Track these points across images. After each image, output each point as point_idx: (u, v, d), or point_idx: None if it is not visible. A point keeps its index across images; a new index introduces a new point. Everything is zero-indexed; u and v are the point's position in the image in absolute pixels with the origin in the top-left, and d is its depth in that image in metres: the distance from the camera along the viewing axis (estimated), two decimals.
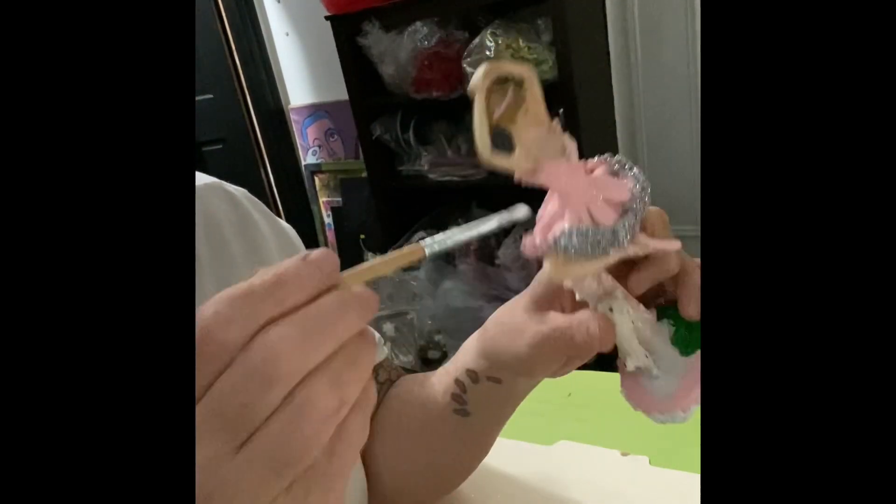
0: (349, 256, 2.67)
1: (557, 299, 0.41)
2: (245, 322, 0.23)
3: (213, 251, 0.46)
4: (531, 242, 0.35)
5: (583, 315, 0.37)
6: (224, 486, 0.22)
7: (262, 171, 2.78)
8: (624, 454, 0.62)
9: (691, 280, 0.36)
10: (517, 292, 0.44)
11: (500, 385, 0.45)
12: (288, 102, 2.70)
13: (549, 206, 0.36)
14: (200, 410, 0.22)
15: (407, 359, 2.12)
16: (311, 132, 2.69)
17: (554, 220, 0.35)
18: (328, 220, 2.78)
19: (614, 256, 0.34)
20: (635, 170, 0.35)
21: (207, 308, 0.23)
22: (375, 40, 2.02)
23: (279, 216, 0.57)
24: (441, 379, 0.48)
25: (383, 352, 0.57)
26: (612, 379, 0.38)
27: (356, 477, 0.50)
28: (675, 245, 0.36)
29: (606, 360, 0.41)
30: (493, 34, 1.81)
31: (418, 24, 1.99)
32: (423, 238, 0.29)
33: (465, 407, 0.47)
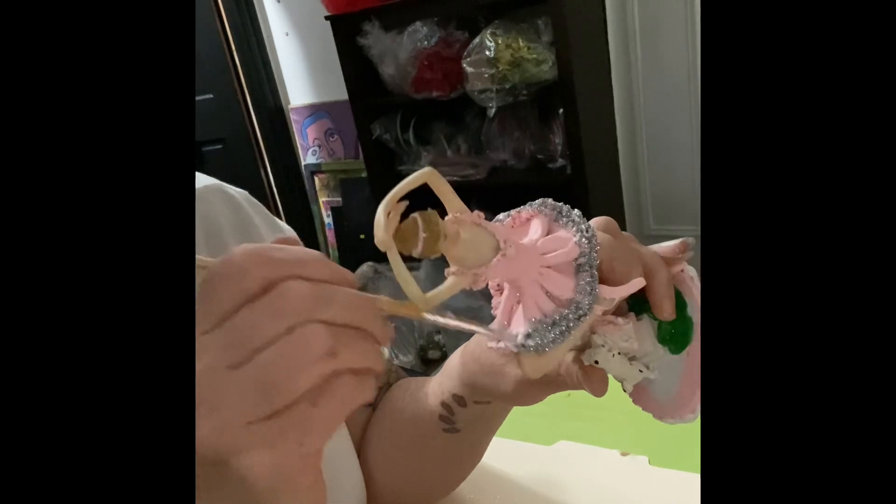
0: (349, 256, 2.67)
1: None
2: (273, 268, 0.26)
3: (212, 253, 0.46)
4: (497, 345, 0.34)
5: (570, 367, 0.37)
6: (212, 395, 0.24)
7: (262, 171, 2.78)
8: (623, 454, 0.62)
9: (659, 282, 0.35)
10: None
11: (488, 405, 0.45)
12: (288, 102, 2.70)
13: (503, 294, 0.35)
14: (213, 330, 0.25)
15: (407, 359, 2.12)
16: (311, 132, 2.69)
17: (510, 311, 0.34)
18: (328, 220, 2.78)
19: (585, 325, 0.33)
20: (574, 214, 0.34)
21: (246, 248, 0.26)
22: (375, 40, 2.02)
23: (279, 216, 0.57)
24: (433, 392, 0.48)
25: (384, 353, 0.56)
26: (612, 379, 0.38)
27: (356, 478, 0.51)
28: (639, 284, 0.35)
29: None
30: (493, 34, 1.81)
31: (418, 24, 1.99)
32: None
33: (454, 426, 0.47)
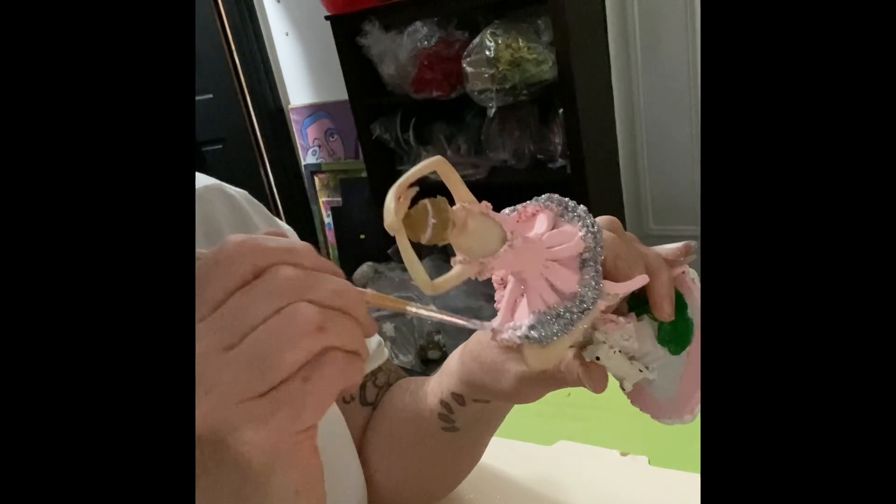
0: (349, 256, 2.67)
1: None
2: (264, 255, 0.27)
3: None
4: (497, 338, 0.34)
5: (570, 363, 0.37)
6: (208, 377, 0.25)
7: (262, 171, 2.78)
8: (623, 454, 0.62)
9: (660, 282, 0.36)
10: None
11: (487, 404, 0.45)
12: (288, 102, 2.70)
13: (507, 288, 0.35)
14: (208, 316, 0.26)
15: (407, 359, 2.12)
16: (311, 132, 2.69)
17: (514, 304, 0.34)
18: (328, 219, 2.78)
19: (588, 319, 0.33)
20: (580, 210, 0.34)
21: (238, 237, 0.27)
22: (375, 40, 2.02)
23: (279, 216, 0.57)
24: (432, 391, 0.48)
25: (384, 354, 0.57)
26: (612, 379, 0.38)
27: (356, 479, 0.51)
28: (642, 280, 0.35)
29: None
30: (493, 34, 1.81)
31: (418, 24, 1.99)
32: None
33: (453, 424, 0.47)
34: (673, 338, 0.37)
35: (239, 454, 0.27)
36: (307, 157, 2.75)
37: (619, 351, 0.36)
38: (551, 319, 0.32)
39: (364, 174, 2.40)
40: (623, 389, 0.38)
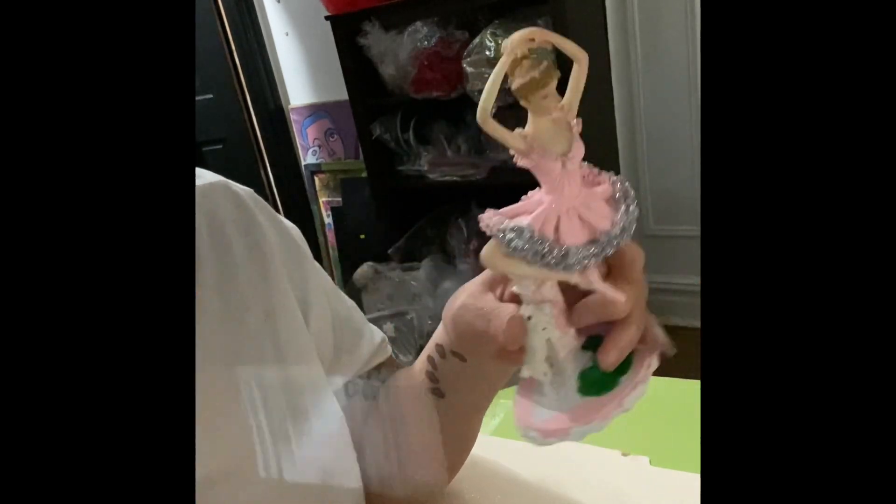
0: (349, 256, 2.67)
1: (501, 285, 0.40)
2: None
3: (215, 250, 0.46)
4: (487, 217, 0.33)
5: (503, 309, 0.37)
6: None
7: (262, 171, 2.78)
8: (624, 454, 0.62)
9: (625, 333, 0.34)
10: None
11: (464, 363, 0.44)
12: (288, 102, 2.70)
13: (532, 197, 0.34)
14: None
15: (407, 359, 2.12)
16: (311, 132, 2.69)
17: (524, 209, 0.33)
18: (328, 219, 2.78)
19: (556, 276, 0.33)
20: (632, 207, 0.33)
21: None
22: (375, 40, 2.02)
23: None
24: (423, 353, 0.49)
25: (387, 350, 0.57)
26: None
27: (354, 480, 0.50)
28: (619, 297, 0.33)
29: None
30: (493, 34, 1.81)
31: (418, 24, 1.99)
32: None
33: (437, 385, 0.47)
34: (592, 383, 0.36)
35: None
36: (307, 157, 2.75)
37: (548, 340, 0.35)
38: (532, 242, 0.32)
39: (364, 174, 2.40)
40: (520, 373, 0.37)
